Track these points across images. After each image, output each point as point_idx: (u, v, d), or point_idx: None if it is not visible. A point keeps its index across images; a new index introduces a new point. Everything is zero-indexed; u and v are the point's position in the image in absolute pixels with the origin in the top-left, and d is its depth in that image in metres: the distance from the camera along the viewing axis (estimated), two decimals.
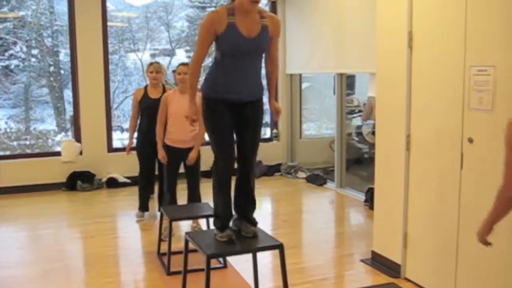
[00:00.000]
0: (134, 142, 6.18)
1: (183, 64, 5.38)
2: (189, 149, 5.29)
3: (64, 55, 9.44)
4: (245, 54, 3.19)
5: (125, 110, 10.24)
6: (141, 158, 6.03)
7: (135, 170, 6.61)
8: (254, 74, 3.33)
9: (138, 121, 6.00)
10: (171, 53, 10.58)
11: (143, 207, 6.17)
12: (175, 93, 5.34)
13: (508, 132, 2.29)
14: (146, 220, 6.11)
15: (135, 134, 6.12)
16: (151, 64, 6.00)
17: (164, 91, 5.81)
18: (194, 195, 5.40)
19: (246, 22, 3.16)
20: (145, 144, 5.86)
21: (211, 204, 4.87)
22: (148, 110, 5.83)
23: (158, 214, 5.69)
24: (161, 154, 5.35)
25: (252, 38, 3.17)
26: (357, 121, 9.19)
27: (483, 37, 3.36)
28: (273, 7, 8.98)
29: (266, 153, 8.75)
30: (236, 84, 3.25)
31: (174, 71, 7.08)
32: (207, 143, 5.53)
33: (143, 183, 6.12)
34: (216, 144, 3.37)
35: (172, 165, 5.35)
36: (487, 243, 2.55)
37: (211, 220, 4.63)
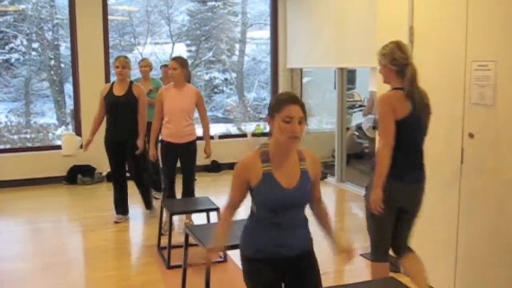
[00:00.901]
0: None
1: (174, 58, 5.30)
2: (185, 144, 5.26)
3: (64, 49, 9.45)
4: (285, 208, 2.65)
5: None
6: (108, 157, 5.81)
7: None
8: (297, 228, 2.78)
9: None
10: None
11: (118, 208, 5.90)
12: (170, 89, 5.25)
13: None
14: (149, 215, 6.11)
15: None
16: (117, 58, 5.69)
17: (130, 88, 5.59)
18: (188, 190, 5.38)
19: (284, 168, 2.63)
20: (110, 143, 5.69)
21: (211, 198, 4.89)
22: (110, 107, 5.61)
23: (142, 211, 5.70)
24: (152, 153, 5.33)
25: (291, 189, 2.61)
26: (358, 116, 9.19)
27: (484, 32, 3.35)
28: (274, 2, 8.96)
29: None
30: (275, 240, 2.69)
31: (162, 66, 7.09)
32: (199, 138, 5.58)
33: (113, 183, 5.93)
34: None
35: (169, 160, 5.32)
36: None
37: (211, 214, 4.65)
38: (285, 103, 2.50)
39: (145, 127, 5.62)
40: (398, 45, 3.31)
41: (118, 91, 5.58)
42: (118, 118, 5.57)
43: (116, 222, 5.77)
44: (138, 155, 5.65)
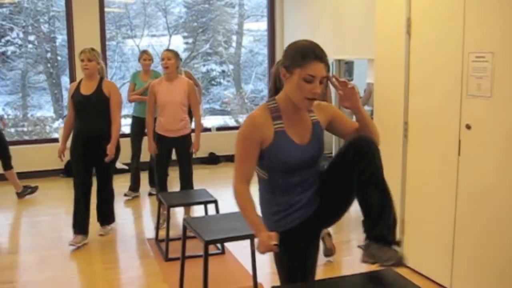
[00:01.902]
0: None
1: (167, 50, 5.28)
2: (179, 138, 5.22)
3: (61, 41, 9.42)
4: (301, 166, 2.38)
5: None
6: (73, 167, 5.04)
7: (129, 157, 6.62)
8: (314, 185, 2.47)
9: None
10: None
11: (76, 227, 4.93)
12: (162, 81, 5.21)
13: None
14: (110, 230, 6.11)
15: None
16: (82, 50, 4.88)
17: (100, 85, 4.84)
18: (187, 183, 5.37)
19: (296, 125, 2.37)
20: (77, 150, 4.89)
21: (209, 190, 4.89)
22: (78, 109, 4.86)
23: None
24: (151, 148, 5.27)
25: (306, 145, 2.37)
26: None
27: (482, 24, 3.34)
28: None
29: None
30: (298, 206, 2.42)
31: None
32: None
33: (77, 197, 4.95)
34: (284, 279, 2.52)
35: (162, 154, 5.30)
36: None
37: (209, 206, 4.65)
38: (309, 58, 2.23)
39: (119, 132, 4.89)
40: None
41: (86, 90, 4.83)
42: (87, 121, 4.82)
43: (71, 245, 4.80)
44: (107, 162, 4.89)
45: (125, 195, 6.53)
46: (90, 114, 4.80)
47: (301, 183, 2.40)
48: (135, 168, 6.59)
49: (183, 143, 5.26)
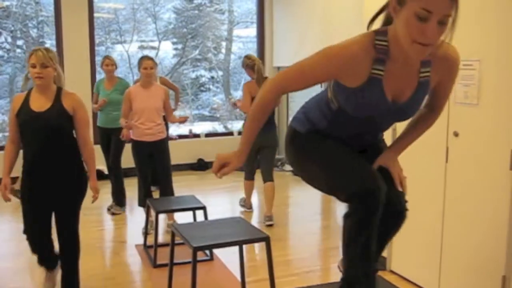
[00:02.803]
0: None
1: (150, 58, 5.29)
2: (156, 142, 5.25)
3: (49, 46, 9.36)
4: (377, 121, 2.07)
5: None
6: (25, 212, 3.61)
7: (123, 163, 6.58)
8: (378, 133, 2.26)
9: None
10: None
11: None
12: (138, 88, 5.25)
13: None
14: (129, 214, 6.09)
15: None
16: (33, 51, 3.45)
17: (58, 98, 3.43)
18: (166, 189, 5.37)
19: (399, 77, 1.89)
20: (33, 189, 3.51)
21: (197, 197, 4.89)
22: (26, 131, 3.45)
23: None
24: (125, 133, 5.37)
25: (399, 104, 1.96)
26: None
27: (469, 32, 3.37)
28: (261, 0, 8.97)
29: None
30: (349, 142, 2.15)
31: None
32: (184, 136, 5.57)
33: (34, 248, 3.76)
34: (336, 173, 2.08)
35: (143, 159, 5.31)
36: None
37: (198, 212, 4.65)
38: None
39: (94, 161, 3.64)
40: (246, 56, 6.00)
41: (38, 105, 3.43)
42: (41, 150, 3.41)
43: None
44: (73, 208, 3.58)
45: (109, 209, 6.20)
46: (46, 139, 3.38)
47: (364, 134, 2.12)
48: (116, 181, 6.21)
49: (160, 147, 5.31)
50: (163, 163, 5.34)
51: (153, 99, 5.21)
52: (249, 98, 5.51)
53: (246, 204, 6.29)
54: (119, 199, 6.22)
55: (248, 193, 6.15)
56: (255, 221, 5.85)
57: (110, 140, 6.16)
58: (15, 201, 3.86)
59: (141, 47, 10.36)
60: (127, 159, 6.55)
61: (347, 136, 2.12)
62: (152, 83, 5.29)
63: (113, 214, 6.12)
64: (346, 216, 2.04)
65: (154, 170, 5.52)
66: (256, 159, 5.83)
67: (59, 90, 3.48)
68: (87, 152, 3.56)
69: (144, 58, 5.29)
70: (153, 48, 10.43)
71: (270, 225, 5.63)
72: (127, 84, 6.26)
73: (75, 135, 3.54)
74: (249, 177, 6.01)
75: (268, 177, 5.78)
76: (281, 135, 9.14)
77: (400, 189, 2.16)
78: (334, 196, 2.10)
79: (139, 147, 5.27)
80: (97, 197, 3.68)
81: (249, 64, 5.79)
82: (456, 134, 3.49)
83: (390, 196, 2.05)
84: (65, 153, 3.48)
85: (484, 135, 3.29)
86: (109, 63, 6.23)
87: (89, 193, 3.64)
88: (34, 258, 4.69)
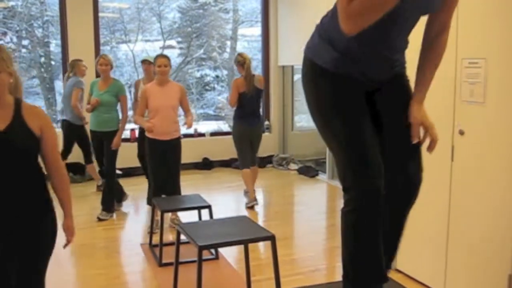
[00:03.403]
0: None
1: (164, 56, 5.33)
2: (171, 141, 5.27)
3: (55, 46, 9.40)
4: (401, 16, 2.01)
5: None
6: None
7: (126, 162, 6.60)
8: (402, 45, 2.21)
9: None
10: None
11: None
12: (154, 86, 5.26)
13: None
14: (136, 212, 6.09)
15: None
16: None
17: (19, 115, 2.41)
18: (174, 188, 5.38)
19: None
20: None
21: (203, 196, 4.89)
22: None
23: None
24: (145, 124, 5.21)
25: None
26: None
27: (475, 30, 3.36)
28: None
29: None
30: (373, 61, 2.09)
31: (143, 61, 6.46)
32: (191, 135, 5.59)
33: None
34: (348, 148, 2.05)
35: (156, 158, 5.31)
36: None
37: (203, 211, 4.65)
38: None
39: (69, 191, 2.81)
40: (238, 53, 6.44)
41: None
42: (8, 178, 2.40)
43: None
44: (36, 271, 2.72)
45: (98, 218, 5.83)
46: (5, 167, 2.38)
47: (387, 48, 2.06)
48: (108, 188, 5.91)
49: (174, 146, 5.31)
50: (173, 162, 5.35)
51: (169, 97, 5.21)
52: (236, 93, 6.11)
53: (250, 195, 6.36)
54: (108, 204, 5.91)
55: (248, 181, 6.35)
56: (260, 220, 5.85)
57: (101, 144, 5.85)
58: None
59: (165, 47, 10.36)
60: (130, 160, 6.58)
61: (370, 55, 2.06)
62: (168, 81, 5.30)
63: (99, 219, 5.78)
64: (343, 213, 2.10)
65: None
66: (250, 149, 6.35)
67: (18, 102, 2.46)
68: (59, 180, 2.66)
69: (158, 56, 5.36)
70: (172, 47, 10.43)
71: (252, 207, 6.26)
72: (122, 86, 5.97)
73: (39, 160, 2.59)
74: (247, 165, 6.32)
75: (254, 163, 6.45)
76: (287, 137, 9.13)
77: (415, 141, 2.15)
78: (339, 177, 2.12)
79: (153, 145, 5.27)
80: (71, 241, 2.90)
81: (240, 61, 6.22)
82: (461, 133, 3.48)
83: (407, 166, 2.12)
84: (29, 185, 2.51)
85: (490, 133, 3.28)
86: (103, 63, 5.80)
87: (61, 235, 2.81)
88: None
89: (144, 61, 6.38)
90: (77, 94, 6.64)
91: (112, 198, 5.95)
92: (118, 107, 5.86)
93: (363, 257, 2.10)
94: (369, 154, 2.03)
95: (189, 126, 5.33)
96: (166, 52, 9.22)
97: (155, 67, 5.23)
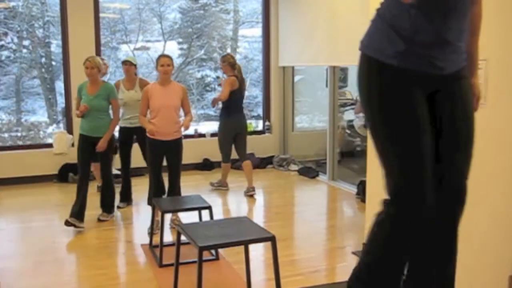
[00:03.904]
0: None
1: (166, 56, 5.34)
2: (172, 141, 5.26)
3: (55, 47, 9.40)
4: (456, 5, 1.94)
5: None
6: None
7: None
8: (465, 29, 2.08)
9: None
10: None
11: None
12: (155, 86, 5.26)
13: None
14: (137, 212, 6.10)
15: None
16: None
17: None
18: (174, 189, 5.39)
19: None
20: None
21: (203, 196, 4.89)
22: None
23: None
24: (148, 127, 5.14)
25: None
26: (349, 114, 9.22)
27: None
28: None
29: (258, 146, 8.77)
30: (444, 43, 1.98)
31: (124, 62, 6.37)
32: (195, 135, 5.59)
33: None
34: (402, 159, 1.99)
35: (156, 158, 5.31)
36: None
37: (203, 212, 4.65)
38: None
39: None
40: (229, 54, 6.97)
41: None
42: None
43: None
44: None
45: (99, 219, 5.81)
46: None
47: (449, 30, 1.95)
48: (107, 191, 5.85)
49: (175, 147, 5.30)
50: (174, 163, 5.35)
51: (171, 97, 5.21)
52: (229, 90, 6.62)
53: (222, 183, 7.19)
54: (108, 206, 5.86)
55: (226, 174, 7.15)
56: (260, 220, 5.86)
57: (93, 149, 5.58)
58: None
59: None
60: (135, 159, 6.58)
61: (441, 33, 1.96)
62: (170, 81, 5.30)
63: (99, 220, 5.76)
64: (383, 220, 2.06)
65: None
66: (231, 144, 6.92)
67: None
68: None
69: (161, 56, 5.35)
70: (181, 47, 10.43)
71: (252, 196, 6.80)
72: (112, 88, 5.76)
73: None
74: (228, 160, 7.02)
75: (244, 157, 6.98)
76: (288, 138, 9.13)
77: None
78: (385, 178, 2.05)
79: (154, 145, 5.26)
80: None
81: (231, 62, 6.76)
82: None
83: (450, 170, 2.08)
84: None
85: (491, 134, 3.28)
86: (89, 66, 5.52)
87: None
88: (39, 258, 4.72)
89: (125, 62, 6.31)
90: None
91: (111, 200, 5.89)
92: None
93: (387, 269, 2.07)
94: (426, 167, 1.98)
95: (186, 128, 5.33)
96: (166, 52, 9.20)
97: (158, 67, 5.23)
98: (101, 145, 5.53)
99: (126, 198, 6.42)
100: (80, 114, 5.58)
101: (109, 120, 5.67)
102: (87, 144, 5.60)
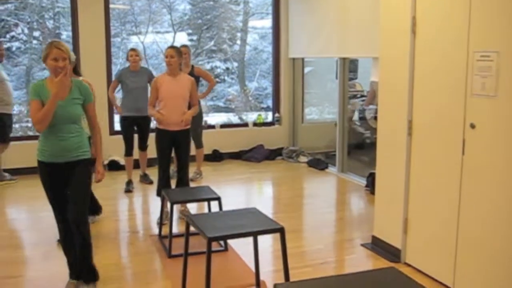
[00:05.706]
0: None
1: (171, 47, 5.33)
2: (181, 131, 5.26)
3: (65, 37, 9.42)
4: None
5: None
6: None
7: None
8: None
9: None
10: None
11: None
12: (165, 77, 5.27)
13: None
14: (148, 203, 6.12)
15: None
16: None
17: None
18: (182, 179, 5.40)
19: None
20: None
21: (212, 188, 4.90)
22: None
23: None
24: (156, 115, 5.20)
25: None
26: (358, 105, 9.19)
27: (487, 23, 3.33)
28: None
29: (268, 137, 8.76)
30: None
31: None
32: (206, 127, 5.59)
33: None
34: None
35: (165, 148, 5.32)
36: None
37: (212, 203, 4.66)
38: None
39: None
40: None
41: None
42: None
43: None
44: None
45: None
46: None
47: None
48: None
49: (183, 137, 5.31)
50: (182, 153, 5.36)
51: (179, 87, 5.21)
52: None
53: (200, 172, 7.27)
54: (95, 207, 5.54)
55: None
56: (269, 212, 5.86)
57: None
58: None
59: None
60: (148, 150, 6.59)
61: None
62: (179, 72, 5.30)
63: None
64: None
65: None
66: None
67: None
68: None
69: (168, 47, 5.34)
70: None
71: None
72: (89, 89, 5.51)
73: None
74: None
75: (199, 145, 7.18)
76: (297, 129, 9.11)
77: None
78: None
79: (162, 136, 5.27)
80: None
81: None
82: (472, 126, 3.46)
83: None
84: None
85: (502, 127, 3.26)
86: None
87: None
88: (50, 247, 4.75)
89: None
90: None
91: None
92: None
93: None
94: None
95: (186, 123, 5.27)
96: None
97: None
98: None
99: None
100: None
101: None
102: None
